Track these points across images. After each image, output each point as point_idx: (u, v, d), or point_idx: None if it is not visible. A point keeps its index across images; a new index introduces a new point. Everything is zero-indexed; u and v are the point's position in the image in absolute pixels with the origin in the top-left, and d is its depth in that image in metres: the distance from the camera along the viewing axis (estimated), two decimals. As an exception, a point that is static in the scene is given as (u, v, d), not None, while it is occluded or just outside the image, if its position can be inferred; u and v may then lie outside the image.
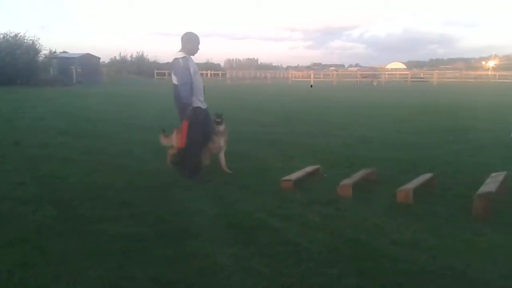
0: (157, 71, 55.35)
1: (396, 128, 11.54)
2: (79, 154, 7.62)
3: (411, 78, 55.10)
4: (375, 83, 46.62)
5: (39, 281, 3.15)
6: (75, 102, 19.33)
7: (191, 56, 5.82)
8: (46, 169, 6.52)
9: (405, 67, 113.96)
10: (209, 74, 58.98)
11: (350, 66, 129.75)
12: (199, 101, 5.77)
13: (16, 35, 34.31)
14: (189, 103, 5.62)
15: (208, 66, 71.09)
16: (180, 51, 5.78)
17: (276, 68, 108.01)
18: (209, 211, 4.73)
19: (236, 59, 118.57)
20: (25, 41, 34.73)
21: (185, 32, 5.93)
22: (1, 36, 33.70)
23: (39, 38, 38.78)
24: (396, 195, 5.05)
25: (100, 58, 44.45)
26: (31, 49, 34.95)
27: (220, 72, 66.54)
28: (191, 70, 5.62)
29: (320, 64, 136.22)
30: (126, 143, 8.77)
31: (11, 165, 6.75)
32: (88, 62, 39.74)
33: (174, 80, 5.81)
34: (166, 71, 56.27)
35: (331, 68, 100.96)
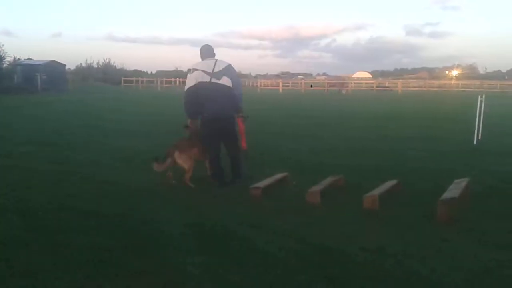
0: (124, 78, 54.69)
1: (362, 135, 11.77)
2: (44, 164, 7.44)
3: (377, 87, 56.25)
4: (344, 92, 47.33)
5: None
6: (40, 110, 18.87)
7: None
8: (10, 178, 6.35)
9: (370, 76, 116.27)
10: (177, 82, 58.62)
11: (318, 75, 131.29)
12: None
13: (-22, 42, 33.47)
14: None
15: (177, 73, 70.62)
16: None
17: (245, 76, 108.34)
18: (176, 220, 4.70)
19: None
20: (-12, 48, 33.86)
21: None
22: (-37, 42, 32.77)
23: (3, 45, 37.79)
24: (363, 201, 5.15)
25: (65, 65, 43.53)
26: (-6, 56, 34.07)
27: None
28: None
29: (288, 72, 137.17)
30: (94, 152, 8.64)
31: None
32: (53, 69, 38.82)
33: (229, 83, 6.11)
34: (133, 78, 55.74)
35: (299, 76, 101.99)
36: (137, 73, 67.23)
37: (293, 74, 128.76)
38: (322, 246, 4.04)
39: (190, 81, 6.08)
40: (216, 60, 6.15)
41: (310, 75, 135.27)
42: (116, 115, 16.60)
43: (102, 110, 19.00)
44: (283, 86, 53.25)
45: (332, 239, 4.19)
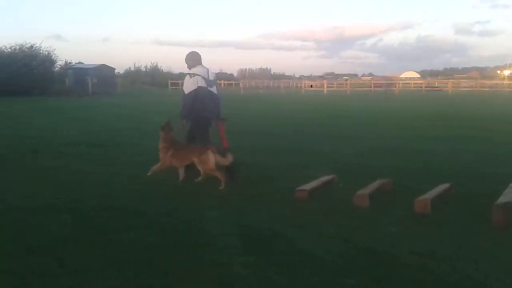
0: (171, 81, 55.73)
1: (410, 136, 11.47)
2: (93, 164, 7.68)
3: (426, 87, 54.74)
4: (394, 92, 46.43)
5: (56, 289, 3.18)
6: (89, 112, 19.52)
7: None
8: (61, 179, 6.58)
9: (419, 76, 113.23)
10: (222, 84, 59.27)
11: (364, 75, 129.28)
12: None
13: (31, 46, 34.77)
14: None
15: (221, 76, 71.47)
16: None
17: (289, 77, 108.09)
18: (223, 220, 4.73)
19: (249, 69, 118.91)
20: (41, 52, 35.22)
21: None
22: (17, 47, 34.16)
23: (54, 49, 39.19)
24: (413, 205, 5.00)
25: (115, 68, 44.89)
26: (47, 60, 35.41)
27: (233, 82, 66.86)
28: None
29: (333, 73, 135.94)
30: (141, 153, 8.82)
31: (27, 175, 6.82)
32: (103, 73, 40.13)
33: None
34: (179, 81, 56.75)
35: (344, 77, 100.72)
36: (183, 75, 68.21)
37: (338, 75, 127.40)
38: (370, 248, 3.96)
39: (192, 85, 6.45)
40: (207, 68, 6.68)
41: (356, 75, 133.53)
42: (162, 118, 16.91)
43: (149, 113, 19.42)
44: (327, 87, 52.76)
45: (380, 242, 4.10)
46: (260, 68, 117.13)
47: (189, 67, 6.68)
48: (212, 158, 6.10)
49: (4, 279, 3.31)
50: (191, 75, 6.49)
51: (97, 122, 15.09)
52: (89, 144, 9.89)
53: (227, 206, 5.28)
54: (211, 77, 6.66)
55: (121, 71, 62.48)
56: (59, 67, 39.84)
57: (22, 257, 3.72)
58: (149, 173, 6.53)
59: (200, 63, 6.68)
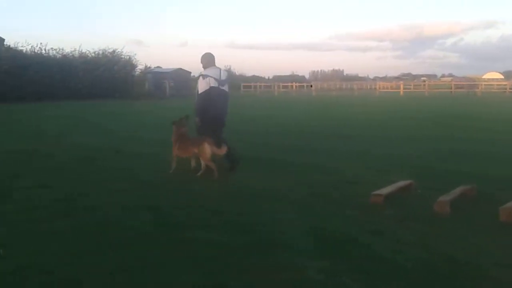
0: (244, 83, 56.58)
1: (497, 141, 10.79)
2: (179, 163, 7.92)
3: (510, 88, 51.31)
4: (476, 93, 44.10)
5: (137, 284, 3.33)
6: (167, 114, 20.23)
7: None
8: (143, 177, 6.88)
9: (502, 77, 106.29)
10: (294, 86, 59.23)
11: (443, 76, 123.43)
12: None
13: (114, 51, 36.68)
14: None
15: (293, 78, 71.49)
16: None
17: (363, 79, 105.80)
18: (298, 223, 4.71)
19: (321, 70, 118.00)
20: (122, 57, 37.10)
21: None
22: (100, 52, 36.20)
23: (135, 54, 41.20)
24: (499, 213, 4.70)
25: (191, 72, 46.35)
26: (128, 65, 37.24)
27: (305, 84, 66.60)
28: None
29: (410, 74, 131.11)
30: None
31: (111, 173, 7.20)
32: (180, 77, 41.53)
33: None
34: (252, 84, 57.47)
35: (422, 78, 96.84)
36: (255, 78, 69.22)
37: (415, 75, 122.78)
38: (452, 258, 3.76)
39: (204, 86, 6.95)
40: (220, 69, 7.26)
41: (435, 76, 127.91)
42: (234, 118, 17.20)
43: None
44: (404, 88, 50.98)
45: (462, 252, 3.89)
46: (333, 70, 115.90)
47: (204, 67, 7.18)
48: (208, 150, 6.68)
49: (90, 272, 3.50)
50: (204, 76, 7.00)
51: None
52: (169, 145, 10.22)
53: (301, 208, 5.25)
54: (223, 77, 7.17)
55: (196, 74, 64.31)
56: (139, 71, 41.71)
57: (106, 252, 3.92)
58: (171, 171, 7.05)
59: (214, 64, 7.20)
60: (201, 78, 7.09)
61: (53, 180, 6.58)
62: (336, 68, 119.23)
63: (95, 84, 31.71)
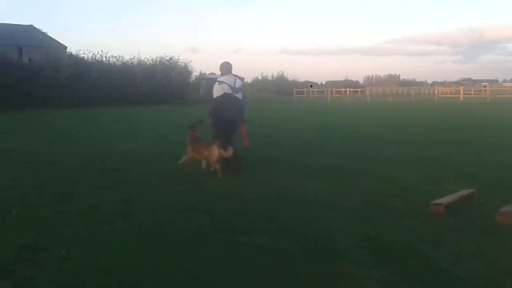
0: (296, 89, 56.46)
1: None
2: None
3: None
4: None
5: (196, 286, 3.38)
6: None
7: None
8: (200, 181, 7.03)
9: None
10: (348, 92, 58.48)
11: (505, 81, 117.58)
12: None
13: (171, 58, 37.61)
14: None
15: (347, 83, 70.61)
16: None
17: (420, 84, 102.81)
18: (353, 231, 4.64)
19: (376, 75, 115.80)
20: (179, 64, 37.99)
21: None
22: (158, 59, 37.24)
23: (191, 61, 42.04)
24: None
25: (244, 78, 46.79)
26: (184, 71, 38.10)
27: (359, 90, 65.55)
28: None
29: (470, 79, 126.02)
30: (264, 160, 9.03)
31: (166, 176, 7.38)
32: (233, 83, 42.03)
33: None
34: (304, 89, 57.25)
35: (482, 83, 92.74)
36: (308, 84, 68.89)
37: (475, 80, 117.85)
38: (518, 273, 3.56)
39: (219, 91, 7.50)
40: (236, 77, 7.69)
41: (496, 81, 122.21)
42: (287, 125, 17.20)
43: (277, 120, 19.84)
44: (464, 93, 49.01)
45: (530, 267, 3.67)
46: (388, 75, 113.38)
47: (222, 75, 7.76)
48: (216, 152, 7.17)
49: (148, 272, 3.60)
50: (220, 82, 7.55)
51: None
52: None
53: (356, 217, 5.17)
54: (237, 85, 7.61)
55: (249, 80, 64.86)
56: (194, 77, 42.56)
57: (163, 253, 4.02)
58: (179, 162, 7.67)
59: (230, 72, 7.74)
60: (217, 84, 7.65)
61: (111, 183, 6.84)
62: (392, 73, 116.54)
63: (152, 90, 32.64)
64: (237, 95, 7.55)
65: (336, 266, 3.72)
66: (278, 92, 58.81)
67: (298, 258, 3.89)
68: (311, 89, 56.85)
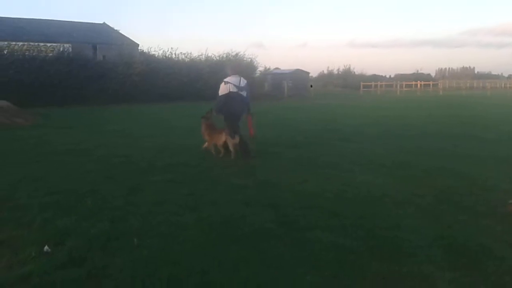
0: (363, 83, 55.22)
1: None
2: (290, 163, 8.01)
3: None
4: None
5: (259, 280, 3.39)
6: (286, 114, 20.50)
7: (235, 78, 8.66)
8: (263, 175, 7.02)
9: None
10: (418, 85, 56.37)
11: None
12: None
13: (236, 54, 38.03)
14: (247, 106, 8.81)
15: (417, 76, 68.08)
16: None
17: (496, 77, 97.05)
18: (424, 230, 4.45)
19: (449, 68, 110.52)
20: (245, 59, 38.35)
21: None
22: (224, 55, 37.76)
23: (256, 56, 42.32)
24: None
25: (309, 73, 46.48)
26: (250, 67, 38.40)
27: (431, 83, 62.93)
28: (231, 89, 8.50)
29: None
30: (333, 155, 8.91)
31: (235, 170, 7.47)
32: (298, 77, 41.89)
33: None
34: (372, 83, 55.83)
35: None
36: (375, 77, 67.18)
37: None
38: None
39: (225, 90, 8.53)
40: (240, 77, 8.72)
41: None
42: (353, 120, 16.87)
43: (340, 115, 19.52)
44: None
45: None
46: (462, 67, 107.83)
47: (229, 75, 8.75)
48: (223, 138, 8.49)
49: (215, 263, 3.66)
50: (226, 82, 8.59)
51: (292, 124, 15.76)
52: (287, 146, 10.37)
53: (428, 215, 4.95)
54: (242, 84, 8.64)
55: (315, 75, 64.32)
56: (259, 72, 42.81)
57: (230, 245, 4.07)
58: (203, 148, 8.97)
59: (236, 73, 8.79)
60: (223, 83, 8.68)
61: (179, 176, 7.02)
62: (466, 65, 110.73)
63: (218, 85, 33.24)
64: (242, 93, 8.59)
65: (406, 265, 3.59)
66: (344, 86, 57.89)
67: (364, 256, 3.79)
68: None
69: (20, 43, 26.68)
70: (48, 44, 29.02)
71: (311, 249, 3.93)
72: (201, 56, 36.43)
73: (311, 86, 41.95)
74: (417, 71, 77.65)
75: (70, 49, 28.89)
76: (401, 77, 70.83)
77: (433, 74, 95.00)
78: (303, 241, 4.15)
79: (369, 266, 3.58)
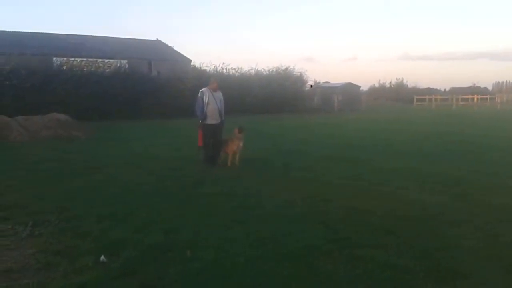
0: (417, 97, 53.79)
1: None
2: (340, 179, 7.90)
3: None
4: None
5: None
6: (335, 129, 20.27)
7: (212, 90, 9.48)
8: (311, 190, 6.96)
9: None
10: (475, 99, 54.34)
11: None
12: (210, 120, 9.35)
13: (286, 68, 38.24)
14: (200, 118, 9.34)
15: (473, 90, 65.67)
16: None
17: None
18: (481, 250, 4.27)
19: (507, 81, 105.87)
20: (294, 73, 38.43)
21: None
22: (274, 69, 38.03)
23: (306, 70, 42.36)
24: None
25: (360, 86, 45.97)
26: (299, 81, 38.41)
27: (488, 96, 60.49)
28: (205, 100, 9.30)
29: None
30: (383, 171, 8.71)
31: (281, 185, 7.44)
32: (349, 91, 41.53)
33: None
34: (426, 97, 54.30)
35: None
36: (430, 91, 65.29)
37: None
38: None
39: (202, 99, 9.27)
40: (216, 89, 9.52)
41: None
42: (405, 136, 16.46)
43: (391, 131, 19.06)
44: None
45: None
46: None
47: (209, 86, 9.52)
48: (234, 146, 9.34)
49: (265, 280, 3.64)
50: (203, 92, 9.35)
51: (341, 138, 15.55)
52: (337, 159, 10.25)
53: (487, 235, 4.74)
54: (217, 94, 9.49)
55: (365, 88, 63.38)
56: (309, 86, 42.71)
57: (279, 260, 4.05)
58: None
59: (214, 85, 9.53)
60: (200, 93, 9.39)
61: (228, 188, 7.12)
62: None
63: (267, 99, 33.42)
64: (216, 102, 9.40)
65: (463, 287, 3.44)
66: (397, 99, 56.66)
67: (419, 276, 3.68)
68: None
69: (79, 59, 28.00)
70: (106, 60, 30.32)
71: (364, 268, 3.85)
72: (251, 71, 36.87)
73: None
74: (474, 84, 74.79)
75: (127, 65, 30.00)
76: (456, 91, 68.45)
77: (490, 88, 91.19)
78: (355, 259, 4.07)
79: (425, 287, 3.46)
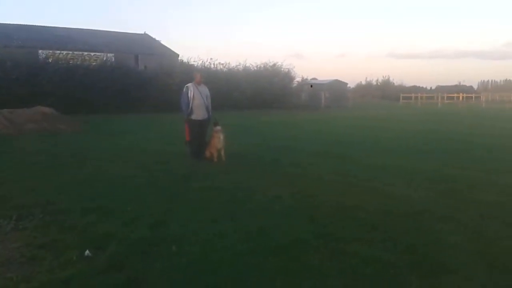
0: (403, 94, 54.27)
1: None
2: (328, 174, 7.93)
3: None
4: None
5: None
6: (322, 125, 20.33)
7: (197, 85, 9.55)
8: (300, 186, 6.97)
9: None
10: (461, 97, 54.96)
11: None
12: (196, 115, 9.41)
13: (274, 64, 38.23)
14: (185, 113, 9.42)
15: (459, 88, 66.40)
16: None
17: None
18: (467, 246, 4.32)
19: (492, 80, 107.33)
20: (282, 69, 38.43)
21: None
22: (262, 66, 38.00)
23: (294, 67, 42.33)
24: None
25: (347, 83, 46.20)
26: (287, 77, 38.46)
27: (473, 95, 61.25)
28: (190, 95, 9.33)
29: None
30: (371, 167, 8.76)
31: (270, 180, 7.44)
32: (336, 88, 41.76)
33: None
34: (412, 95, 54.79)
35: None
36: (415, 89, 65.92)
37: None
38: None
39: (187, 94, 9.29)
40: (202, 84, 9.65)
41: None
42: (392, 133, 16.58)
43: (378, 129, 19.18)
44: None
45: None
46: (506, 80, 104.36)
47: (194, 82, 9.54)
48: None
49: (251, 275, 3.63)
50: (188, 87, 9.36)
51: (329, 134, 15.61)
52: (325, 155, 10.28)
53: (470, 231, 4.79)
54: (204, 89, 9.56)
55: (352, 85, 63.72)
56: (296, 83, 42.76)
57: (267, 254, 4.06)
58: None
59: (199, 80, 9.60)
60: (185, 89, 9.44)
61: (218, 182, 7.12)
62: (510, 78, 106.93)
63: (255, 95, 33.40)
64: (203, 98, 9.44)
65: (447, 283, 3.49)
66: (383, 97, 57.09)
67: (404, 271, 3.71)
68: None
69: (65, 52, 27.67)
70: (92, 54, 30.01)
71: (349, 262, 3.88)
72: (239, 66, 36.76)
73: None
74: (459, 83, 75.75)
75: (113, 59, 29.72)
76: (442, 89, 69.19)
77: (475, 87, 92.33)
78: (341, 253, 4.10)
79: (409, 282, 3.51)
